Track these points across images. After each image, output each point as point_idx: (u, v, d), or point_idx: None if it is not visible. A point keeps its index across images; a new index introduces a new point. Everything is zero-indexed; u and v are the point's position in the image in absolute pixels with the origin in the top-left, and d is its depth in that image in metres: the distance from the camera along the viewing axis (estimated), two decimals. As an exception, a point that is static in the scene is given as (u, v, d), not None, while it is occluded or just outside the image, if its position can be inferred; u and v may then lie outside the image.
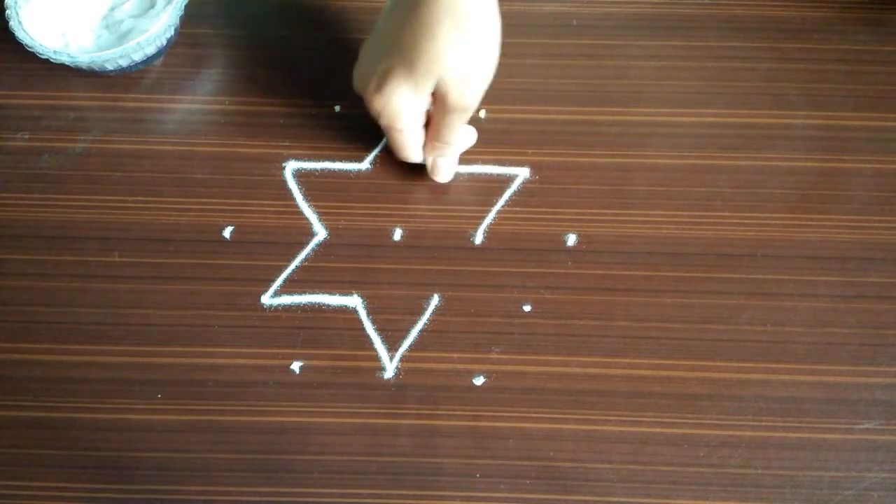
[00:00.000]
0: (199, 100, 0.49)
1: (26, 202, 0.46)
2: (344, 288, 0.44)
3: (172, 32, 0.48)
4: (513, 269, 0.44)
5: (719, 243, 0.45)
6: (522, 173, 0.47)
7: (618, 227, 0.45)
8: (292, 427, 0.41)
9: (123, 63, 0.47)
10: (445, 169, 0.45)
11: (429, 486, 0.40)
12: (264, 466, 0.41)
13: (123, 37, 0.46)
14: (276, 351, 0.43)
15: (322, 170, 0.47)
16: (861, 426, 0.41)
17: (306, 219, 0.46)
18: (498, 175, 0.47)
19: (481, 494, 0.40)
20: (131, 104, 0.49)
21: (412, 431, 0.41)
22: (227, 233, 0.45)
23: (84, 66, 0.46)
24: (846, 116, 0.48)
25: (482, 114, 0.48)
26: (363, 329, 0.43)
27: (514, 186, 0.46)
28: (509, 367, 0.42)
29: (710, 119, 0.48)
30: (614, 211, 0.46)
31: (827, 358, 0.43)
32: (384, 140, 0.47)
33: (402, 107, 0.41)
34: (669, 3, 0.51)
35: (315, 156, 0.47)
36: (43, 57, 0.45)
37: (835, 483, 0.40)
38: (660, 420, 0.41)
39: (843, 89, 0.49)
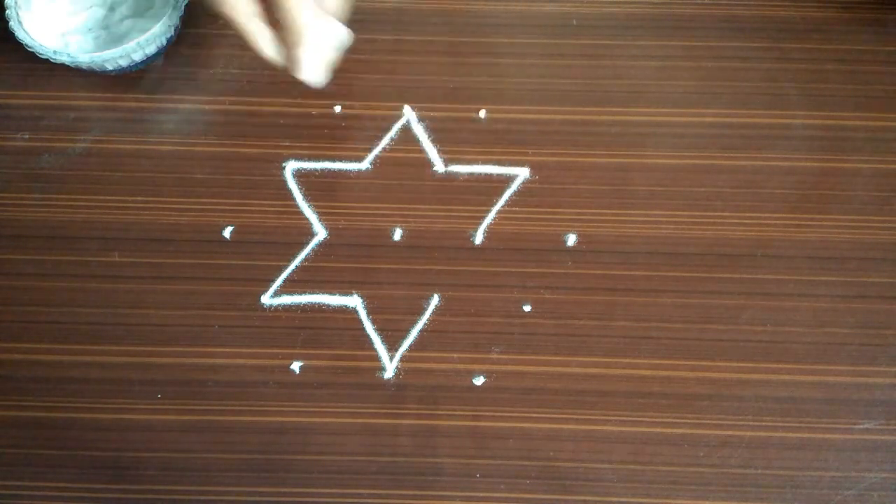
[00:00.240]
0: (199, 100, 0.49)
1: (26, 202, 0.46)
2: (344, 288, 0.44)
3: (172, 32, 0.48)
4: (513, 269, 0.44)
5: (719, 243, 0.45)
6: (522, 173, 0.47)
7: (618, 227, 0.45)
8: (292, 427, 0.41)
9: (123, 63, 0.47)
10: (306, 64, 0.39)
11: (429, 486, 0.40)
12: (264, 466, 0.41)
13: (123, 37, 0.46)
14: (276, 351, 0.43)
15: (322, 170, 0.47)
16: (861, 426, 0.41)
17: (306, 219, 0.46)
18: (498, 175, 0.47)
19: (481, 494, 0.40)
20: (131, 104, 0.49)
21: (412, 431, 0.41)
22: (227, 233, 0.45)
23: (84, 66, 0.46)
24: (846, 116, 0.48)
25: (482, 114, 0.48)
26: (363, 329, 0.43)
27: (514, 186, 0.46)
28: (509, 367, 0.42)
29: (710, 119, 0.48)
30: (614, 211, 0.46)
31: (827, 358, 0.43)
32: (384, 140, 0.47)
33: None
34: (669, 3, 0.51)
35: (315, 156, 0.47)
36: (43, 57, 0.45)
37: (835, 483, 0.40)
38: (660, 420, 0.42)
39: (843, 89, 0.49)
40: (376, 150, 0.47)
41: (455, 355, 0.43)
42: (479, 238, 0.45)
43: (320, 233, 0.45)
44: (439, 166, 0.47)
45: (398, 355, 0.43)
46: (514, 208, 0.46)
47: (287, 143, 0.47)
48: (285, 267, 0.44)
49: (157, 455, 0.41)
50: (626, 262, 0.44)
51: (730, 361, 0.43)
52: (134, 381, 0.42)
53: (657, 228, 0.45)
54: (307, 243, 0.45)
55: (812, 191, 0.46)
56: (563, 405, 0.42)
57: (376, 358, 0.43)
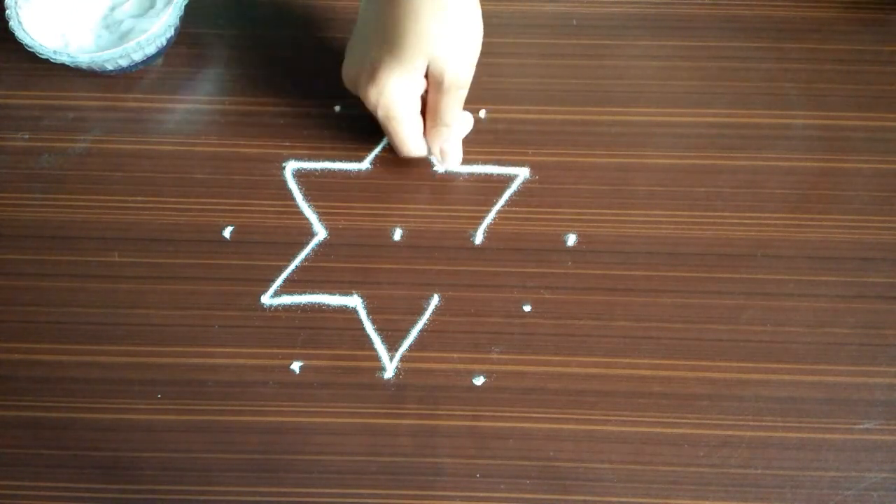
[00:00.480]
0: (199, 100, 0.49)
1: (26, 202, 0.46)
2: (344, 288, 0.44)
3: (172, 32, 0.48)
4: (513, 269, 0.44)
5: (719, 243, 0.45)
6: (522, 173, 0.47)
7: (618, 227, 0.45)
8: (292, 427, 0.41)
9: (123, 63, 0.47)
10: (452, 154, 0.45)
11: (429, 486, 0.40)
12: (264, 466, 0.41)
13: (123, 37, 0.46)
14: (275, 351, 0.43)
15: (322, 170, 0.47)
16: (861, 426, 0.41)
17: (306, 219, 0.46)
18: (498, 175, 0.47)
19: (481, 494, 0.40)
20: (131, 104, 0.49)
21: (412, 431, 0.41)
22: (227, 233, 0.45)
23: (84, 66, 0.46)
24: (846, 116, 0.48)
25: (482, 114, 0.48)
26: (363, 329, 0.43)
27: (514, 186, 0.46)
28: (509, 367, 0.42)
29: (710, 119, 0.48)
30: (614, 211, 0.46)
31: (827, 358, 0.43)
32: (384, 140, 0.47)
33: (396, 93, 0.41)
34: (669, 3, 0.51)
35: (315, 156, 0.47)
36: (43, 57, 0.45)
37: (835, 483, 0.40)
38: (660, 420, 0.41)
39: (843, 89, 0.49)
40: (376, 150, 0.47)
41: (455, 355, 0.43)
42: (478, 238, 0.45)
43: (320, 233, 0.45)
44: (439, 166, 0.47)
45: (398, 355, 0.43)
46: (514, 208, 0.46)
47: (287, 143, 0.47)
48: (285, 267, 0.44)
49: (156, 455, 0.41)
50: (626, 262, 0.44)
51: (730, 361, 0.42)
52: (134, 381, 0.42)
53: (657, 228, 0.45)
54: (307, 243, 0.45)
55: (812, 191, 0.46)
56: (563, 405, 0.42)
57: (376, 358, 0.43)
